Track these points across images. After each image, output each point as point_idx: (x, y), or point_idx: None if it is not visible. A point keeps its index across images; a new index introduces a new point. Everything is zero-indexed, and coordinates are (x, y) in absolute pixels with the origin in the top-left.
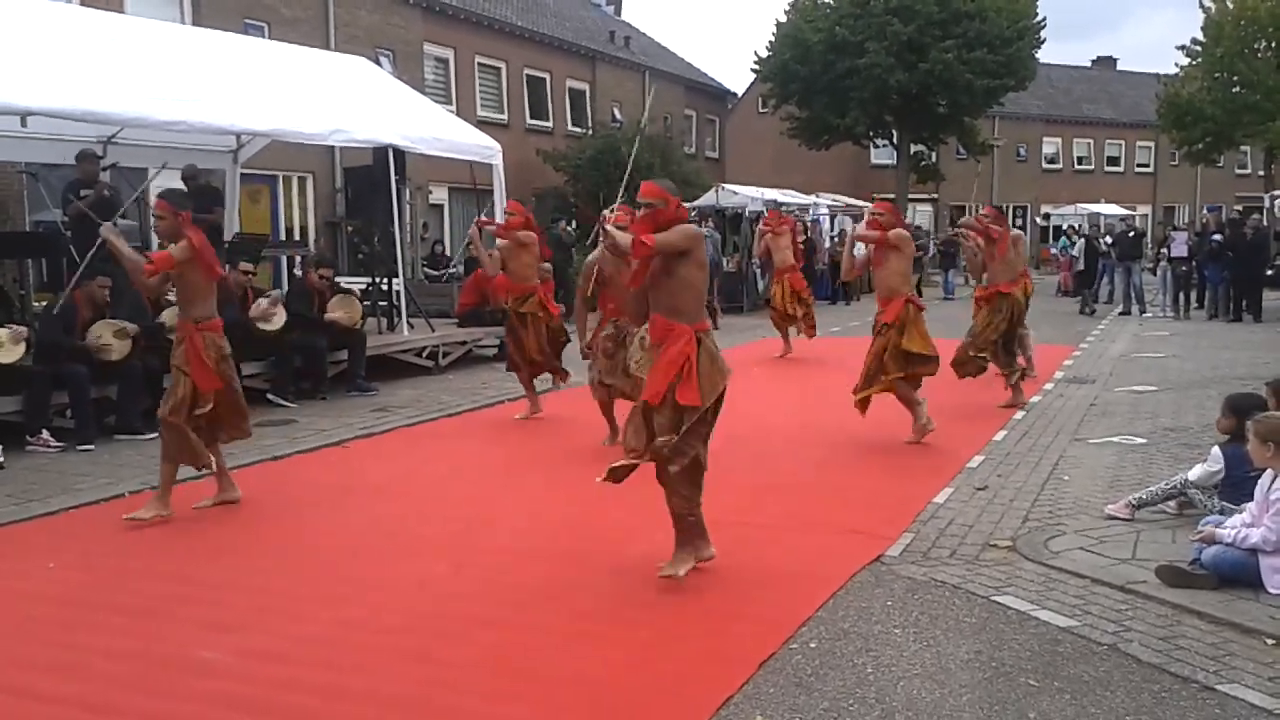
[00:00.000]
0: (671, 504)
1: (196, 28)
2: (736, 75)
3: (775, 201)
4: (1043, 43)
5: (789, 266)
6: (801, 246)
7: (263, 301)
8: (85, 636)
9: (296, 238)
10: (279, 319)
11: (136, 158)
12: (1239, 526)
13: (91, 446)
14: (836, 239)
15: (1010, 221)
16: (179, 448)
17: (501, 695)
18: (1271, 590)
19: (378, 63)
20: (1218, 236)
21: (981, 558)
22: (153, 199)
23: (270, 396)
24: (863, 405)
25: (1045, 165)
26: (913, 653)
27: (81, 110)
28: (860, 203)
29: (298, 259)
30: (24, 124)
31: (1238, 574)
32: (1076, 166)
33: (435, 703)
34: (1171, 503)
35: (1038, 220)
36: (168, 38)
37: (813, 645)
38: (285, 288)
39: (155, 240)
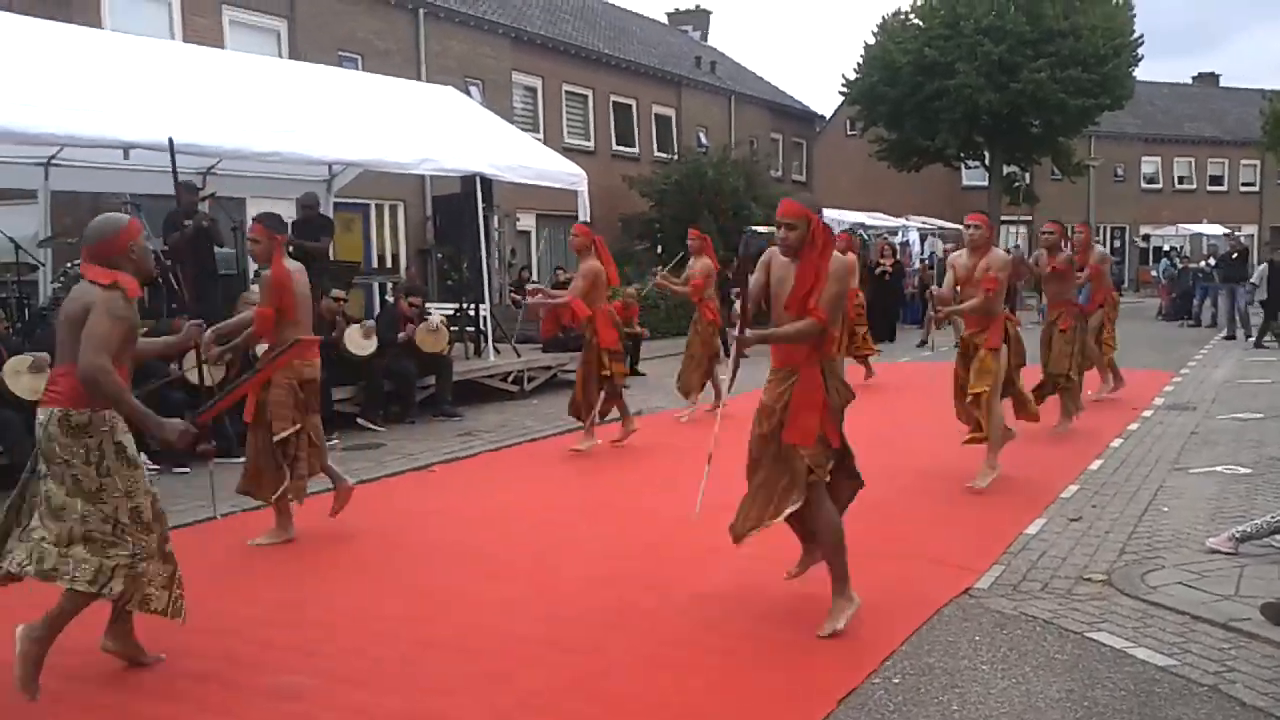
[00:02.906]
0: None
1: (292, 61)
2: (824, 98)
3: (861, 225)
4: (1140, 60)
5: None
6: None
7: (354, 331)
8: (171, 659)
9: (388, 265)
10: (370, 345)
11: (234, 188)
12: None
13: (187, 470)
14: (926, 261)
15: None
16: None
17: None
18: None
19: (467, 92)
20: None
21: (1074, 592)
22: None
23: (360, 420)
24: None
25: (1144, 185)
26: (1000, 690)
27: (182, 143)
28: (952, 225)
29: (389, 286)
30: (126, 156)
31: None
32: (1177, 186)
33: None
34: (1278, 536)
35: (1137, 241)
36: (265, 71)
37: (896, 680)
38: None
39: (251, 265)
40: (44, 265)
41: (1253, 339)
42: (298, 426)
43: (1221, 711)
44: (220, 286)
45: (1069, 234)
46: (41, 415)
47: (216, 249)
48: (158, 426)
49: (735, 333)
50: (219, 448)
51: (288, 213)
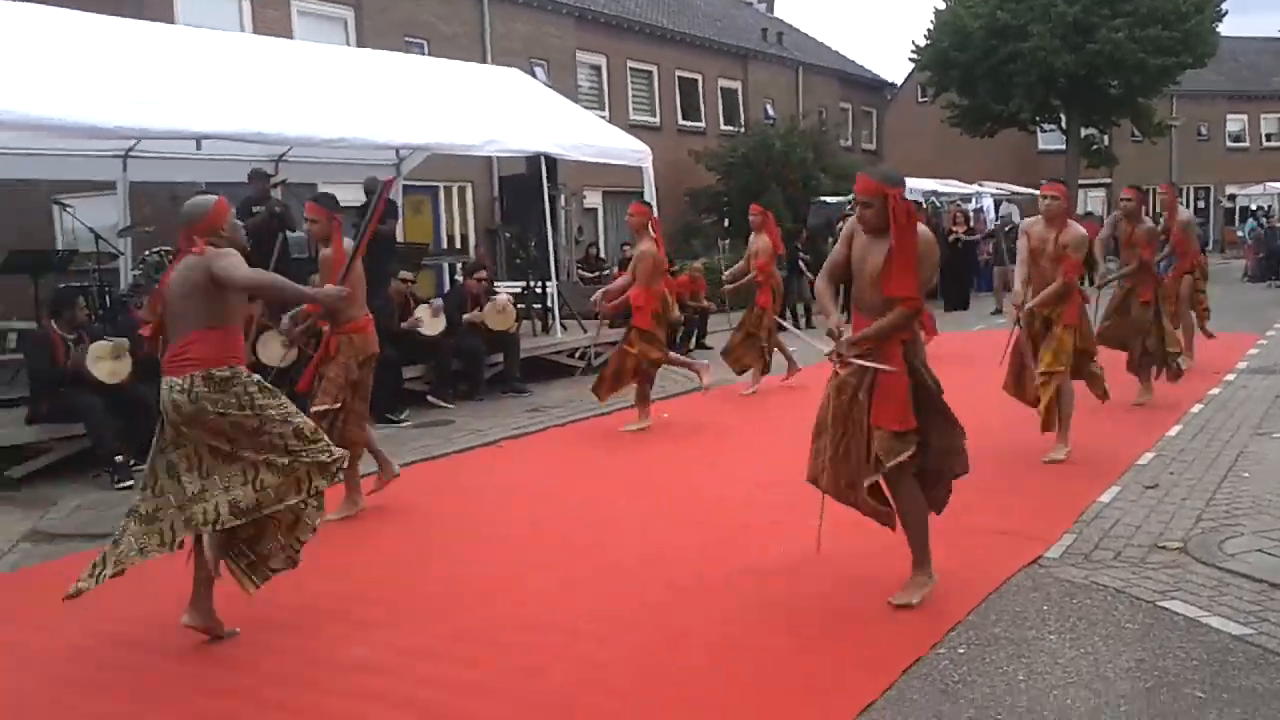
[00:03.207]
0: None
1: (359, 49)
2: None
3: (935, 192)
4: (1224, 15)
5: None
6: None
7: (422, 311)
8: (248, 633)
9: (457, 246)
10: (439, 324)
11: (305, 174)
12: None
13: None
14: (1001, 224)
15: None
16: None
17: (644, 697)
18: None
19: (532, 73)
20: None
21: (1148, 560)
22: None
23: (430, 398)
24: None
25: (1229, 144)
26: (1068, 660)
27: (252, 132)
28: (1028, 190)
29: (458, 266)
30: (199, 147)
31: None
32: (1266, 144)
33: (580, 702)
34: None
35: (1223, 201)
36: (332, 59)
37: (961, 651)
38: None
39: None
40: (124, 254)
41: None
42: (339, 405)
43: None
44: (294, 270)
45: (1149, 198)
46: (179, 383)
47: (289, 234)
48: (318, 295)
49: (831, 350)
50: None
51: (358, 197)
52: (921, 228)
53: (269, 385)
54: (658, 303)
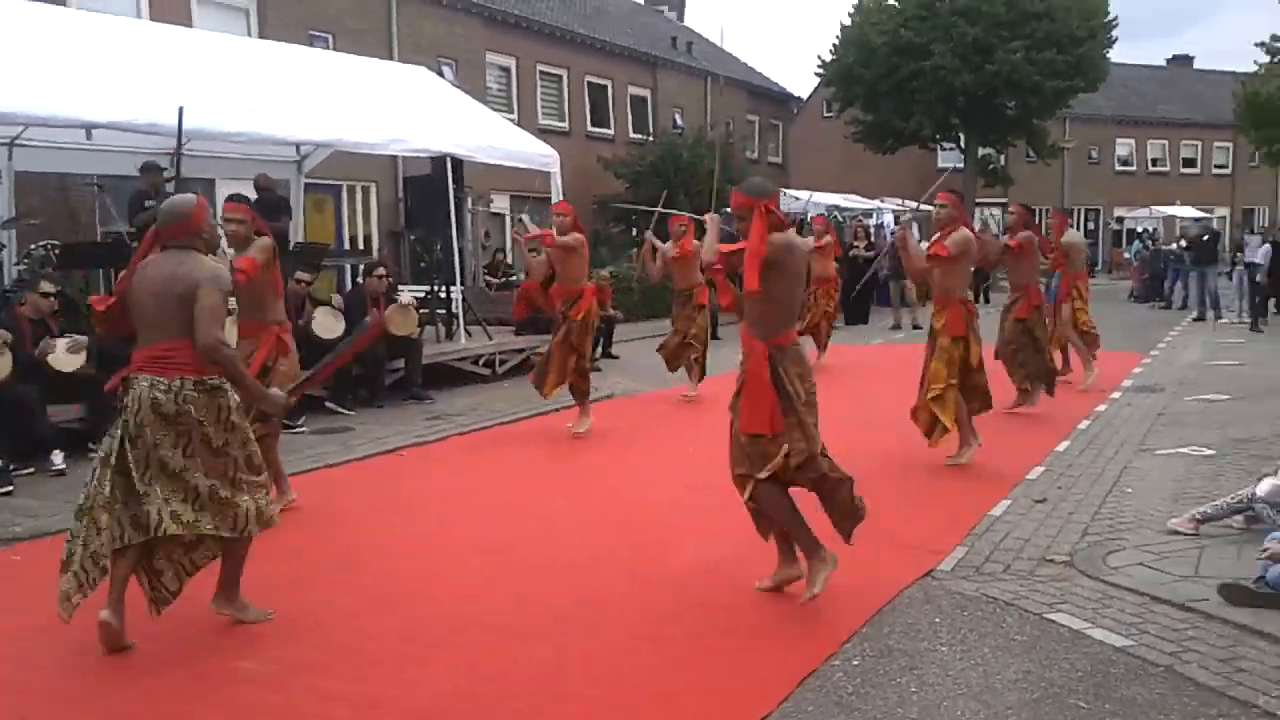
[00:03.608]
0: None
1: (262, 40)
2: (801, 80)
3: (837, 207)
4: (1114, 42)
5: (828, 278)
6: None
7: (320, 313)
8: (134, 648)
9: (360, 247)
10: (338, 328)
11: (202, 169)
12: None
13: None
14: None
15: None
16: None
17: (538, 711)
18: None
19: (440, 73)
20: None
21: (1036, 573)
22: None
23: (328, 404)
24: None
25: (1118, 167)
26: (959, 671)
27: (146, 123)
28: (927, 206)
29: (360, 268)
30: (89, 136)
31: None
32: (1151, 169)
33: (472, 716)
34: (1239, 517)
35: (1110, 224)
36: (233, 50)
37: (855, 663)
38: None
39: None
40: (5, 246)
41: (1224, 320)
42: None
43: (1176, 691)
44: None
45: (1036, 217)
46: (164, 382)
47: None
48: (262, 397)
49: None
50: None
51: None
52: (790, 235)
53: (240, 408)
54: (592, 299)
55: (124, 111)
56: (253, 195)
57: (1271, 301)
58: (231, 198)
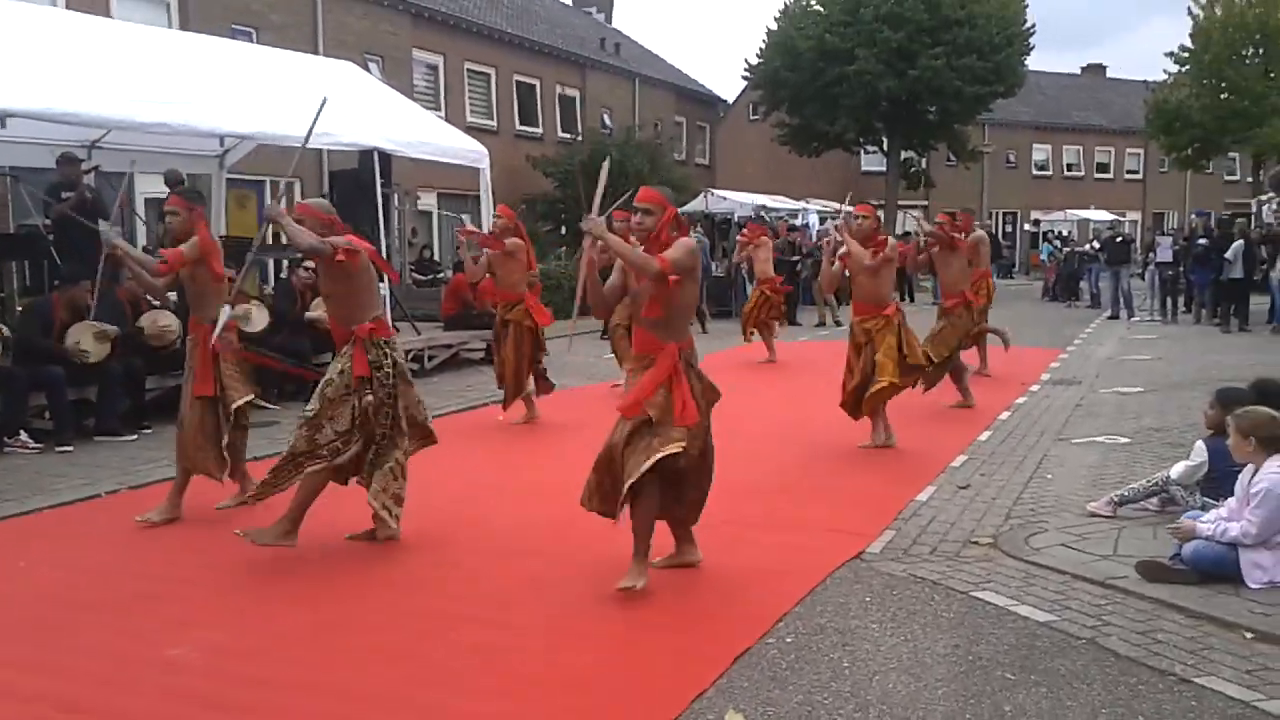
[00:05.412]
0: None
1: (183, 32)
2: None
3: (764, 208)
4: (1031, 50)
5: (769, 278)
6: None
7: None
8: (55, 635)
9: (284, 242)
10: (262, 320)
11: (120, 162)
12: (1219, 520)
13: (70, 448)
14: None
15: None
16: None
17: (479, 692)
18: (1251, 585)
19: (366, 69)
20: (1204, 241)
21: (962, 555)
22: (138, 202)
23: (255, 400)
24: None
25: (1035, 172)
26: (889, 647)
27: (61, 112)
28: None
29: (285, 264)
30: (3, 125)
31: (1218, 569)
32: (1066, 173)
33: (414, 699)
34: (1154, 500)
35: (1027, 226)
36: (153, 42)
37: (789, 640)
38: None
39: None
40: None
41: (1136, 318)
42: (252, 395)
43: (1097, 662)
44: (105, 261)
45: (954, 219)
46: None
47: (100, 222)
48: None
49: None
50: (106, 428)
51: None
52: (689, 239)
53: None
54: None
55: (39, 100)
56: (162, 188)
57: (1180, 298)
58: (174, 191)
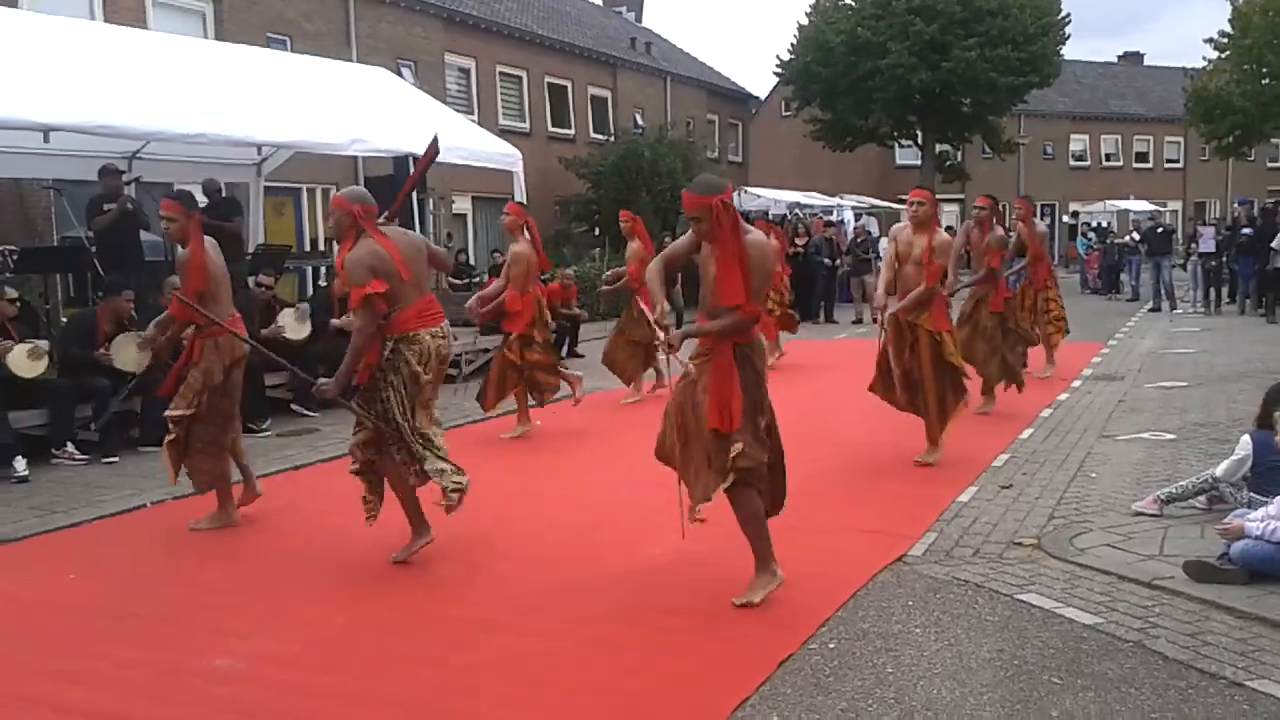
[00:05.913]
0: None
1: (219, 42)
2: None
3: (798, 204)
4: (1067, 39)
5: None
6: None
7: (286, 315)
8: (102, 645)
9: (321, 249)
10: (304, 330)
11: (161, 172)
12: (1267, 519)
13: (116, 459)
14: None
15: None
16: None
17: (513, 700)
18: None
19: (399, 74)
20: (1248, 230)
21: (1005, 556)
22: None
23: (294, 406)
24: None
25: (1073, 162)
26: (933, 652)
27: (102, 125)
28: (885, 203)
29: (322, 270)
30: (46, 140)
31: (1267, 568)
32: (1104, 163)
33: (446, 707)
34: (1201, 498)
35: (1065, 218)
36: (190, 52)
37: (831, 646)
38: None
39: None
40: None
41: (1179, 310)
42: (192, 411)
43: (1145, 665)
44: (147, 271)
45: (1000, 209)
46: (442, 327)
47: (143, 233)
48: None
49: (660, 336)
50: (148, 436)
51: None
52: (758, 234)
53: None
54: (533, 307)
55: (81, 114)
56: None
57: (1224, 289)
58: (167, 195)
